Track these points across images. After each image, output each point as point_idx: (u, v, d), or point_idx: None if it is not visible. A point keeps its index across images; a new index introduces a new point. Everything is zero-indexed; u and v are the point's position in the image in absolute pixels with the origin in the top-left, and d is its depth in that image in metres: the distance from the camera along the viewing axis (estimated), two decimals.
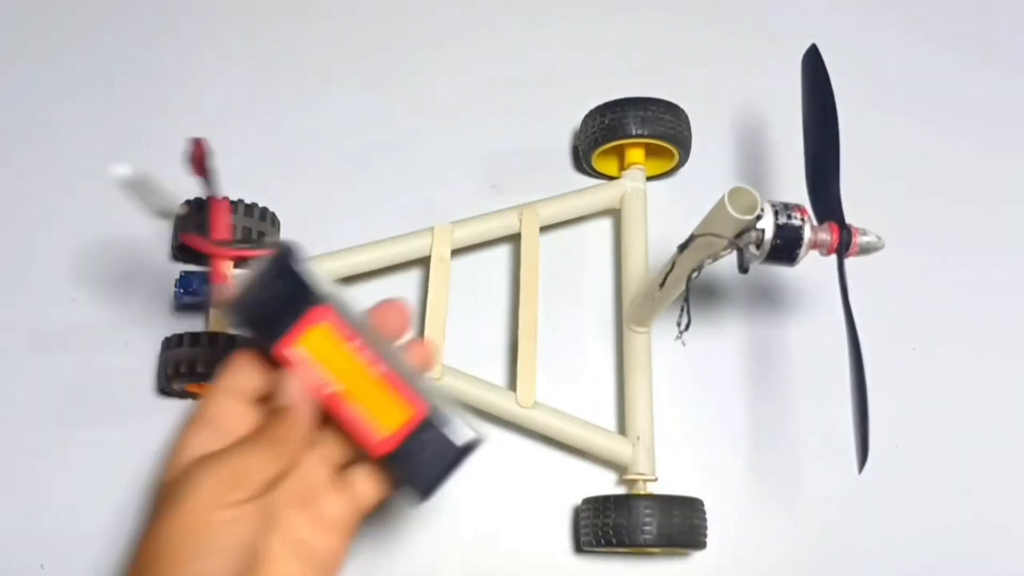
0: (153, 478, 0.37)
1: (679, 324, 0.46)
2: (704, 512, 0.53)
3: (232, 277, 0.38)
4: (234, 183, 0.60)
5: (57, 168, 0.64)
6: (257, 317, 0.36)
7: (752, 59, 0.70)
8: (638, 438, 0.55)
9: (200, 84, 0.68)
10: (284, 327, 0.36)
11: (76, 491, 0.55)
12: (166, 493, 0.34)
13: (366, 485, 0.38)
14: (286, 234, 0.60)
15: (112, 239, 0.62)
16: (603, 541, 0.51)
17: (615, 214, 0.64)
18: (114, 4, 0.70)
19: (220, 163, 0.63)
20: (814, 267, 0.47)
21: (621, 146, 0.61)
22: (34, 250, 0.61)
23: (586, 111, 0.62)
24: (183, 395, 0.56)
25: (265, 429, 0.35)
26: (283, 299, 0.36)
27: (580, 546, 0.54)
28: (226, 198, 0.40)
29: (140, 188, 0.37)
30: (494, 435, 0.58)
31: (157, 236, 0.60)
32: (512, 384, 0.55)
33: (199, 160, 0.38)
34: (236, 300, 0.36)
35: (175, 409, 0.57)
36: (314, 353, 0.36)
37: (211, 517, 0.32)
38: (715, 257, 0.44)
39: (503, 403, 0.54)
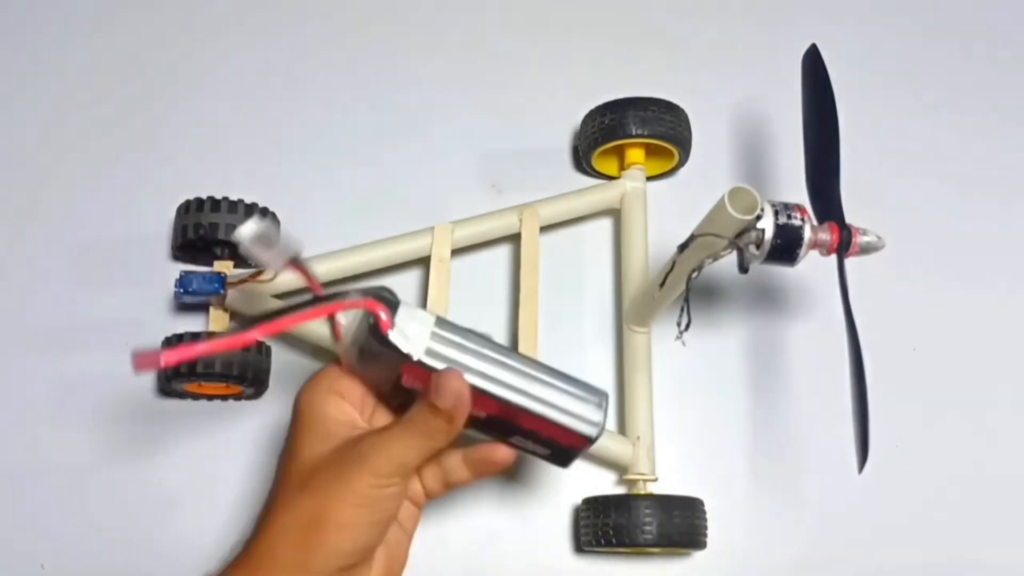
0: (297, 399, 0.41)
1: (679, 324, 0.46)
2: (704, 512, 0.53)
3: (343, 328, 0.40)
4: (234, 182, 0.60)
5: (57, 168, 0.64)
6: (372, 364, 0.40)
7: (752, 59, 0.70)
8: (638, 438, 0.55)
9: (200, 84, 0.67)
10: (391, 372, 0.40)
11: (76, 491, 0.55)
12: (333, 462, 0.38)
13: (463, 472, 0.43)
14: (286, 233, 0.60)
15: (112, 239, 0.62)
16: (603, 541, 0.51)
17: (615, 214, 0.64)
18: (115, 4, 0.70)
19: (220, 163, 0.64)
20: (814, 267, 0.47)
21: (621, 146, 0.61)
22: (34, 250, 0.61)
23: (586, 111, 0.62)
24: (183, 395, 0.56)
25: (423, 421, 0.39)
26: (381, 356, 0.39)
27: (580, 546, 0.54)
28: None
29: (265, 241, 0.38)
30: None
31: (157, 236, 0.61)
32: None
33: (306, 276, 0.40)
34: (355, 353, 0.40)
35: (175, 409, 0.57)
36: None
37: (375, 493, 0.38)
38: (715, 257, 0.44)
39: None
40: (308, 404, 0.41)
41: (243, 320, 0.38)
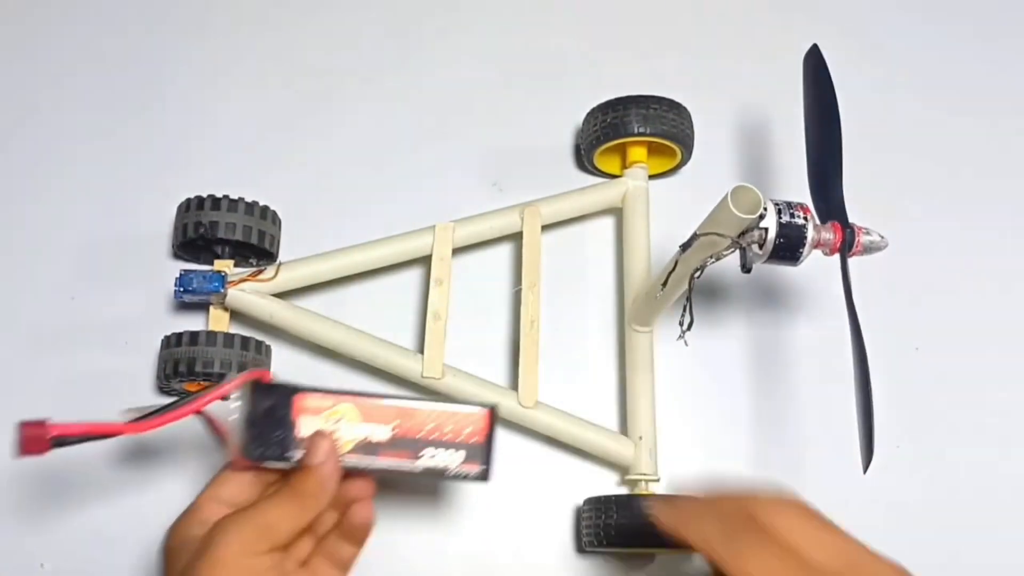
0: (166, 538, 0.41)
1: (682, 324, 0.45)
2: None
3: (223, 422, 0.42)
4: (235, 181, 0.60)
5: (58, 167, 0.64)
6: (264, 431, 0.41)
7: (755, 58, 0.70)
8: (640, 438, 0.54)
9: (201, 83, 0.67)
10: (285, 422, 0.41)
11: (76, 490, 0.55)
12: (199, 545, 0.37)
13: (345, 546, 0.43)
14: (287, 232, 0.60)
15: (112, 238, 0.61)
16: (605, 542, 0.51)
17: (617, 213, 0.63)
18: (116, 2, 0.70)
19: (221, 162, 0.64)
20: (817, 267, 0.47)
21: (623, 144, 0.61)
22: (34, 249, 0.61)
23: (588, 109, 0.62)
24: (182, 394, 0.56)
25: (294, 485, 0.39)
26: (272, 408, 0.41)
27: (582, 546, 0.54)
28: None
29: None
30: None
31: (158, 234, 0.60)
32: (514, 384, 0.55)
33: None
34: (245, 432, 0.41)
35: None
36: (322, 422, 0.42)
37: (245, 563, 0.36)
38: (718, 256, 0.43)
39: (505, 403, 0.54)
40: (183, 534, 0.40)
41: (134, 412, 0.40)
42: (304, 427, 0.41)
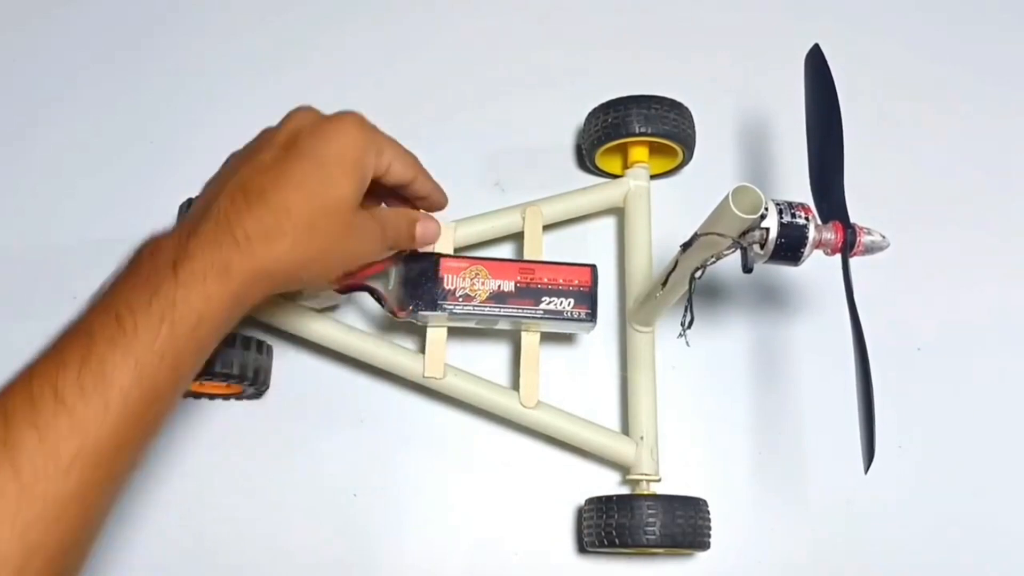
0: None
1: (683, 323, 0.45)
2: (708, 512, 0.52)
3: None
4: None
5: (58, 166, 0.64)
6: (417, 288, 0.52)
7: (756, 58, 0.70)
8: (641, 438, 0.54)
9: (202, 83, 0.67)
10: (435, 279, 0.53)
11: None
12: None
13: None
14: None
15: (113, 236, 0.61)
16: (606, 542, 0.51)
17: (618, 213, 0.63)
18: (119, 4, 0.70)
19: (222, 162, 0.64)
20: (818, 267, 0.47)
21: (625, 144, 0.61)
22: (35, 248, 0.61)
23: (589, 109, 0.62)
24: (183, 394, 0.56)
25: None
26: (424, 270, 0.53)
27: (583, 547, 0.54)
28: None
29: None
30: (496, 435, 0.58)
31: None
32: (515, 384, 0.55)
33: None
34: (402, 291, 0.52)
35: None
36: None
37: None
38: (719, 256, 0.43)
39: (506, 403, 0.54)
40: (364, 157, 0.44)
41: None
42: (448, 282, 0.52)
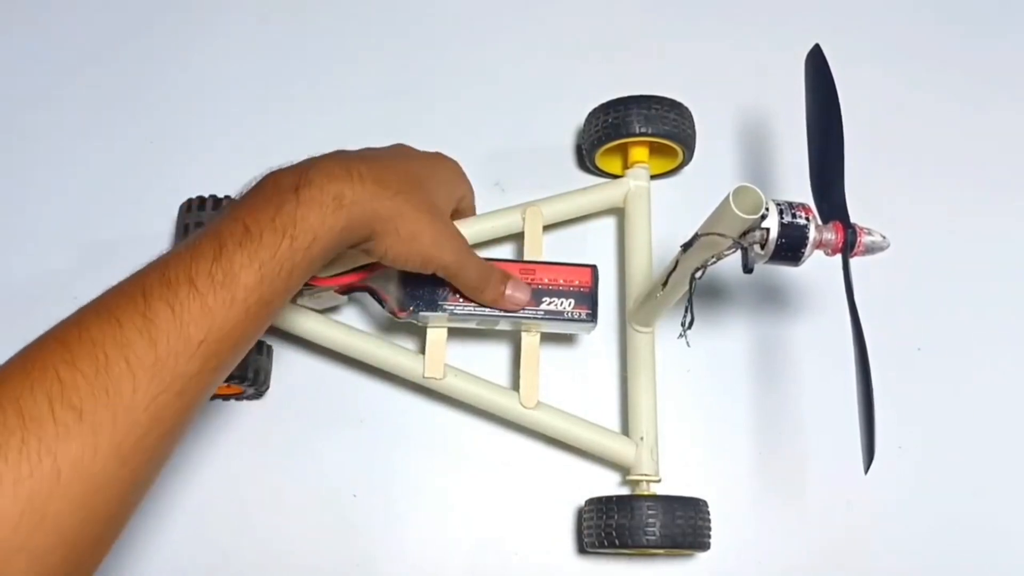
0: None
1: (683, 324, 0.45)
2: (708, 513, 0.52)
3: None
4: (237, 182, 0.59)
5: (58, 167, 0.64)
6: (417, 289, 0.52)
7: (757, 57, 0.70)
8: (641, 438, 0.54)
9: (202, 83, 0.67)
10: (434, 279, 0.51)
11: None
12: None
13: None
14: None
15: (114, 237, 0.61)
16: (606, 542, 0.51)
17: (619, 213, 0.63)
18: (116, 3, 0.70)
19: (223, 162, 0.64)
20: (819, 267, 0.47)
21: (625, 144, 0.61)
22: (36, 248, 0.61)
23: (589, 109, 0.62)
24: None
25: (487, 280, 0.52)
26: None
27: (583, 547, 0.54)
28: None
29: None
30: (497, 436, 0.58)
31: (159, 236, 0.60)
32: (515, 384, 0.55)
33: None
34: (402, 292, 0.52)
35: None
36: None
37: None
38: (719, 257, 0.43)
39: (506, 403, 0.54)
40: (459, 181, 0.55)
41: None
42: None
